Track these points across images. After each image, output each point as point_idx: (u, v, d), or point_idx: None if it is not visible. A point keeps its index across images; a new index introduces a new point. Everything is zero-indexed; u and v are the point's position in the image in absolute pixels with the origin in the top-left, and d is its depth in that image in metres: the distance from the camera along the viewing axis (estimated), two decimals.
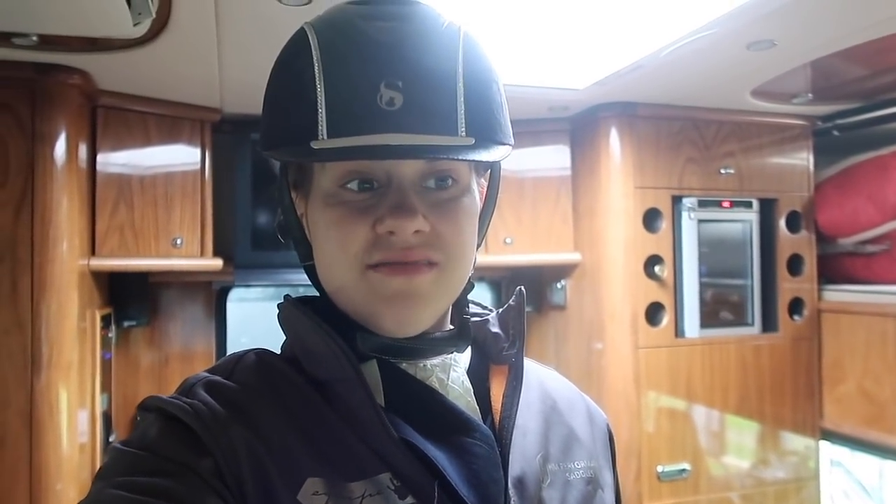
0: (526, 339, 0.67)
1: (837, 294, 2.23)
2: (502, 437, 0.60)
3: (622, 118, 2.06)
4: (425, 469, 0.55)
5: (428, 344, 0.62)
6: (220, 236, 2.02)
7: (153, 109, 1.87)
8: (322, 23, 0.58)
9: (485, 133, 0.56)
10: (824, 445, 2.28)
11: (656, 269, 2.06)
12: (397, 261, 0.56)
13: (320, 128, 0.53)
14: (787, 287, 2.22)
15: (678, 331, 2.10)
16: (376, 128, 0.52)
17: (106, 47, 1.46)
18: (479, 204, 0.63)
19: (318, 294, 0.66)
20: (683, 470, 2.05)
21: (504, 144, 0.58)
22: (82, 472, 1.67)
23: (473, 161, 0.57)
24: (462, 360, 0.65)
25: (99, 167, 1.80)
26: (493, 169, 0.66)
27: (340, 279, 0.59)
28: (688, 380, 2.08)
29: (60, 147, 1.59)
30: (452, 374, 0.62)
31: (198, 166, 1.95)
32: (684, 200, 2.10)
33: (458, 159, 0.55)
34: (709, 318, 2.12)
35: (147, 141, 1.88)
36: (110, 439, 1.96)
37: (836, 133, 2.21)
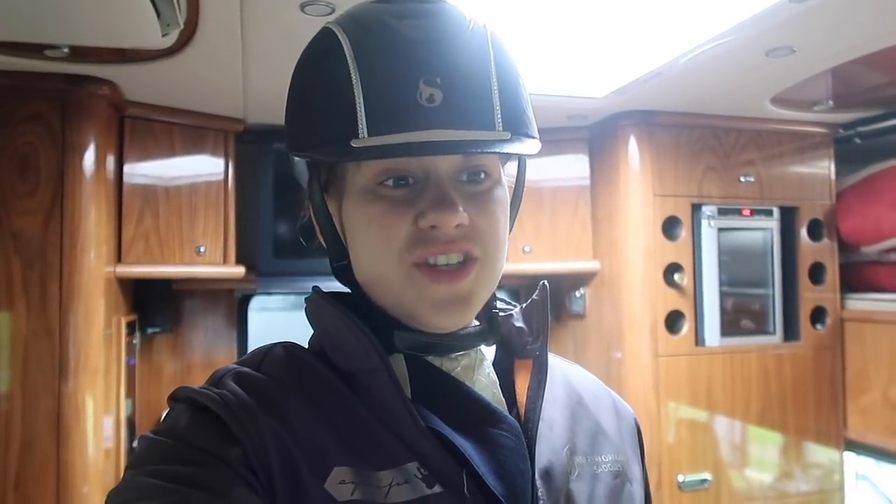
0: (550, 333, 0.67)
1: (861, 303, 2.20)
2: (528, 429, 0.61)
3: (641, 126, 2.07)
4: (453, 459, 0.56)
5: (459, 339, 0.62)
6: (242, 244, 2.06)
7: (178, 120, 1.92)
8: (350, 21, 0.58)
9: (518, 127, 0.57)
10: (849, 457, 2.24)
11: (676, 277, 2.05)
12: (439, 253, 0.57)
13: (360, 126, 0.53)
14: (809, 296, 2.20)
15: (698, 339, 2.08)
16: (418, 125, 0.53)
17: (134, 58, 1.50)
18: (508, 195, 0.64)
19: (346, 291, 0.66)
20: (705, 480, 2.03)
21: (534, 138, 0.59)
22: (107, 476, 1.69)
23: (514, 154, 0.59)
24: (488, 353, 0.66)
25: (126, 177, 1.84)
26: (519, 161, 0.67)
27: (383, 274, 0.60)
28: (708, 389, 2.06)
29: (89, 157, 1.63)
30: (479, 366, 0.63)
31: (221, 176, 1.99)
32: (704, 208, 2.09)
33: (500, 153, 0.56)
34: (729, 326, 2.11)
35: (172, 151, 1.92)
36: (134, 445, 1.98)
37: (857, 140, 2.20)
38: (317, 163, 0.62)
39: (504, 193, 0.62)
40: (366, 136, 0.53)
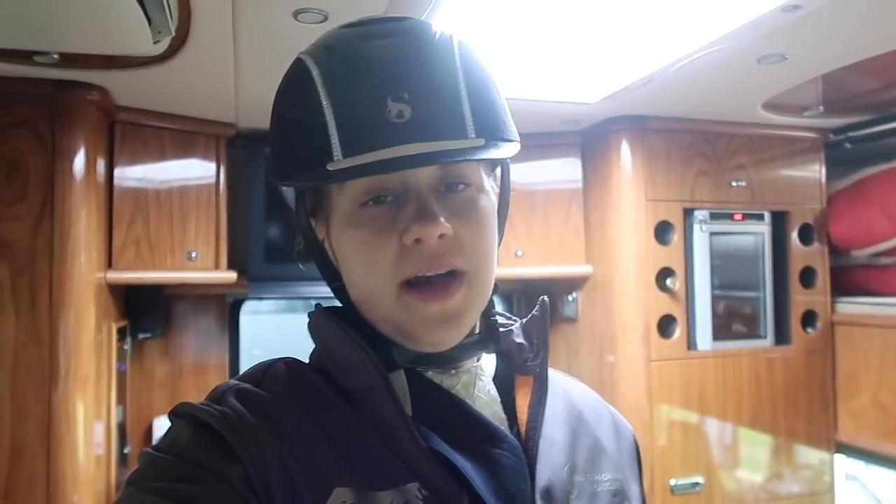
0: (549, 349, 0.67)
1: (851, 306, 2.22)
2: (528, 447, 0.61)
3: (633, 131, 2.07)
4: (453, 479, 0.56)
5: (459, 350, 0.62)
6: (234, 249, 2.04)
7: (169, 125, 1.90)
8: (318, 49, 0.60)
9: (492, 133, 0.58)
10: (839, 459, 2.26)
11: (668, 281, 2.06)
12: (426, 270, 0.57)
13: (334, 149, 0.54)
14: (800, 299, 2.21)
15: (690, 343, 2.09)
16: (389, 141, 0.54)
17: (125, 64, 1.48)
18: (494, 203, 0.64)
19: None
20: (697, 483, 2.04)
21: (512, 141, 0.60)
22: (98, 483, 1.68)
23: (488, 160, 0.59)
24: (488, 369, 0.66)
25: (116, 181, 1.83)
26: (502, 168, 0.67)
27: (373, 297, 0.60)
28: (700, 392, 2.07)
29: (79, 162, 1.62)
30: (479, 382, 0.63)
31: (213, 180, 1.98)
32: (696, 213, 2.10)
33: (473, 160, 0.56)
34: (721, 330, 2.12)
35: (163, 155, 1.90)
36: (125, 451, 1.97)
37: (847, 145, 2.21)
38: (301, 189, 0.63)
39: (489, 202, 0.62)
40: (340, 158, 0.54)
